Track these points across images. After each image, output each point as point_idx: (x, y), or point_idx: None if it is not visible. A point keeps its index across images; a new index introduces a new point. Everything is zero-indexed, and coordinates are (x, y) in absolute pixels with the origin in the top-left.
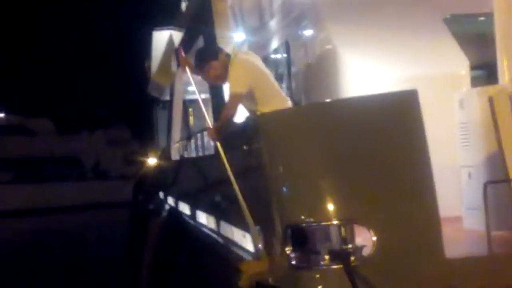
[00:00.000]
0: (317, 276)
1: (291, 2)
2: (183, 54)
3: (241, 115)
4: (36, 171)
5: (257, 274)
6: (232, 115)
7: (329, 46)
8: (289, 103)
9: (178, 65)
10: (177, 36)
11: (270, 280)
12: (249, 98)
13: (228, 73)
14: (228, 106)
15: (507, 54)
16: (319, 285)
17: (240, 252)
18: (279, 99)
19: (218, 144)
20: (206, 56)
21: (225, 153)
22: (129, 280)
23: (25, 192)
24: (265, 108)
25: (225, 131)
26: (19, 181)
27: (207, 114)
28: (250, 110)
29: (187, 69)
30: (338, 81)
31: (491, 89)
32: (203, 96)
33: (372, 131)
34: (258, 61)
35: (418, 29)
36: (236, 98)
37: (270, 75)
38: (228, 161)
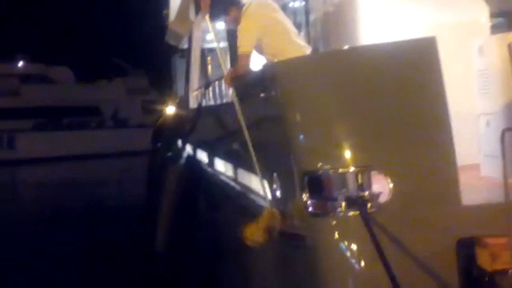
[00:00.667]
0: (334, 223)
1: None
2: None
3: (259, 63)
4: (56, 120)
5: (269, 227)
6: (244, 72)
7: None
8: (308, 51)
9: (197, 12)
10: None
11: (290, 228)
12: (264, 47)
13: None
14: (238, 65)
15: None
16: (336, 232)
17: (258, 199)
18: (297, 46)
19: (233, 91)
20: (217, 11)
21: (242, 101)
22: (147, 229)
23: (44, 140)
24: (283, 56)
25: (241, 80)
26: (39, 130)
27: (225, 62)
28: (267, 58)
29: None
30: (357, 29)
31: (510, 36)
32: (222, 44)
33: (390, 78)
34: (270, 10)
35: None
36: (245, 58)
37: (287, 22)
38: (246, 109)
